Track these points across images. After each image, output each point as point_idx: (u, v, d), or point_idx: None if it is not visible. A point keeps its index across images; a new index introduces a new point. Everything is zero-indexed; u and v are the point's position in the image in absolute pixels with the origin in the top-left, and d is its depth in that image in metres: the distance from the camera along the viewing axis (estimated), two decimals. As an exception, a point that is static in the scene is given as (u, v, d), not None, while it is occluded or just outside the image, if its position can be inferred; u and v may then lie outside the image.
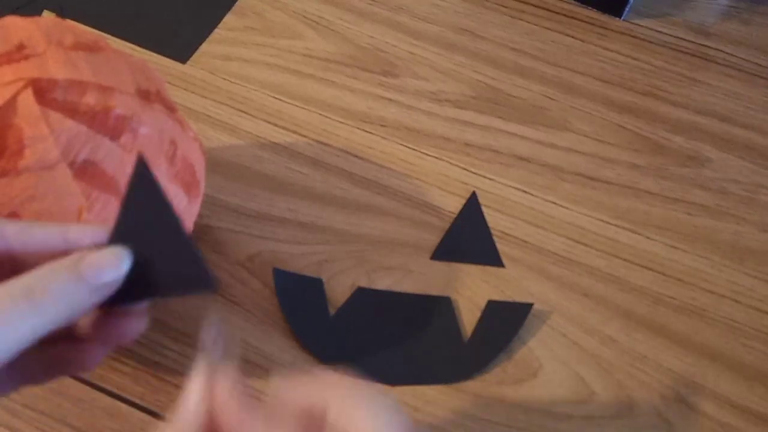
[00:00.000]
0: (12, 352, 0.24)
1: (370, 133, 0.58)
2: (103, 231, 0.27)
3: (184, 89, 0.59)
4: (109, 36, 0.61)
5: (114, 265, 0.26)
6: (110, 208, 0.38)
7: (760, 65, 0.63)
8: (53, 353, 0.28)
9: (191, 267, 0.26)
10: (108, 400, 0.45)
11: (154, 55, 0.61)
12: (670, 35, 0.65)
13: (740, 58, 0.63)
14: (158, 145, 0.40)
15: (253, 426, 0.24)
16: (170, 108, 0.43)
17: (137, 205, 0.27)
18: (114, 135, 0.38)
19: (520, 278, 0.51)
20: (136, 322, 0.28)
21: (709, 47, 0.64)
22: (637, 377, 0.48)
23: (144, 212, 0.27)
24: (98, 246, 0.27)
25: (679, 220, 0.55)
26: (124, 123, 0.39)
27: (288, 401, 0.24)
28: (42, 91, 0.36)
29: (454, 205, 0.54)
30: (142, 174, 0.27)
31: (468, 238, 0.53)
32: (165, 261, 0.27)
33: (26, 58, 0.37)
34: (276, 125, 0.57)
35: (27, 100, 0.36)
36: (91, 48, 0.40)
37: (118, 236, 0.27)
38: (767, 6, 0.67)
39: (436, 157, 0.57)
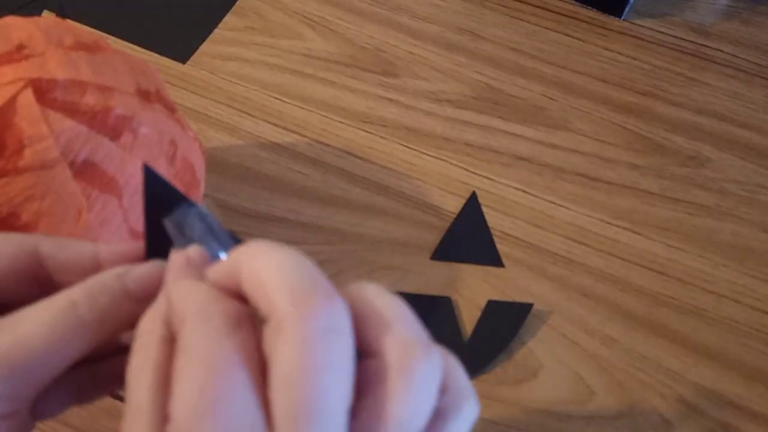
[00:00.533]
0: (60, 366, 0.24)
1: (370, 133, 0.58)
2: (134, 250, 0.27)
3: (184, 89, 0.59)
4: (109, 36, 0.61)
5: (159, 278, 0.25)
6: (110, 208, 0.38)
7: (760, 65, 0.63)
8: (103, 368, 0.28)
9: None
10: (108, 400, 0.45)
11: (154, 55, 0.61)
12: (670, 35, 0.65)
13: (740, 58, 0.63)
14: (158, 145, 0.40)
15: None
16: (170, 108, 0.43)
17: (159, 213, 0.26)
18: (114, 135, 0.38)
19: (520, 278, 0.51)
20: None
21: (709, 47, 0.64)
22: (637, 377, 0.48)
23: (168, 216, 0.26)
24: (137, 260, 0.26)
25: (679, 220, 0.55)
26: (124, 123, 0.39)
27: (212, 280, 0.24)
28: (42, 91, 0.36)
29: (454, 205, 0.54)
30: (152, 181, 0.26)
31: (468, 238, 0.53)
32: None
33: (26, 58, 0.37)
34: (276, 125, 0.57)
35: (27, 100, 0.36)
36: (91, 48, 0.40)
37: (153, 250, 0.26)
38: (767, 6, 0.67)
39: (436, 157, 0.57)
